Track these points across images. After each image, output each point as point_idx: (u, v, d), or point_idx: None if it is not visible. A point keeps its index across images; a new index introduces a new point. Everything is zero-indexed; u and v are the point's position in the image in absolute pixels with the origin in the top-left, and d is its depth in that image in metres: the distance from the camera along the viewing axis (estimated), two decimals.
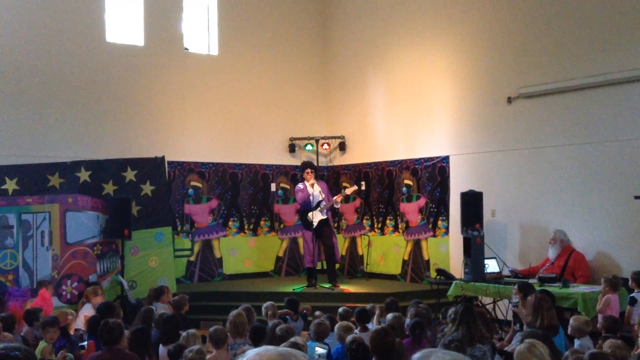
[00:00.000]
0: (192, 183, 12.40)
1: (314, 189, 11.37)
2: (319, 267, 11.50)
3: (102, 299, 8.64)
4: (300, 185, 11.57)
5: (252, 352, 2.32)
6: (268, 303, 7.90)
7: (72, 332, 7.58)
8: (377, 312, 7.62)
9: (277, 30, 13.49)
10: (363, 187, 12.98)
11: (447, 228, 11.41)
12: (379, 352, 5.21)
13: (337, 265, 12.10)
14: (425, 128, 11.85)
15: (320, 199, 11.27)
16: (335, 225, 13.61)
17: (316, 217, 11.18)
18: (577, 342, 5.98)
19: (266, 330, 6.49)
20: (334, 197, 11.31)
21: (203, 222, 12.50)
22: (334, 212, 13.59)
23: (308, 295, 10.66)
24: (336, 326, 6.53)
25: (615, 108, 9.25)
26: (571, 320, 6.25)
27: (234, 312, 6.72)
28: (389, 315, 6.99)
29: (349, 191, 11.36)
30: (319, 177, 12.07)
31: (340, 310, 7.63)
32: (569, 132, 9.76)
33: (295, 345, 5.31)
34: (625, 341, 5.72)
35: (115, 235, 10.10)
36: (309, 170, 11.46)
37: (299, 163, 13.45)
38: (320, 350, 5.83)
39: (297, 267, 13.26)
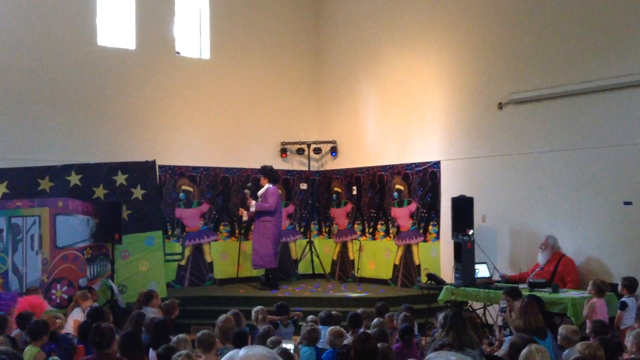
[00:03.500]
0: (183, 187, 12.37)
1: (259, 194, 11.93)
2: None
3: (92, 303, 8.60)
4: None
5: (243, 351, 2.45)
6: (258, 307, 7.88)
7: None
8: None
9: (269, 34, 13.50)
10: (354, 192, 13.02)
11: (437, 233, 11.44)
12: (361, 356, 5.22)
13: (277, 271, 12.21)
14: (417, 133, 11.89)
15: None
16: (327, 229, 13.66)
17: (243, 214, 12.07)
18: (566, 352, 6.01)
19: (248, 335, 6.48)
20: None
21: (194, 227, 12.47)
22: (325, 217, 13.65)
23: (299, 300, 10.67)
24: (327, 331, 6.53)
25: (606, 114, 9.31)
26: (560, 329, 6.28)
27: (222, 317, 6.71)
28: (375, 321, 7.00)
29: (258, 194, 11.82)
30: (277, 181, 12.30)
31: (321, 314, 7.59)
32: (559, 138, 9.82)
33: (285, 354, 5.32)
34: (616, 346, 5.74)
35: (106, 239, 10.07)
36: (260, 176, 12.04)
37: (290, 167, 13.52)
38: (287, 345, 5.82)
39: (288, 272, 13.23)
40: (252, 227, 12.00)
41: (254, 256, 11.68)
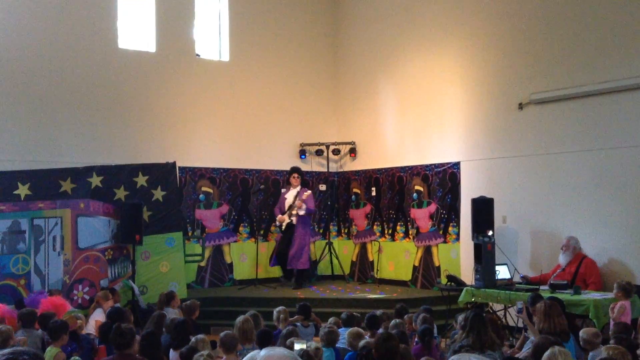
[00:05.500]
0: (203, 188, 12.43)
1: (289, 195, 12.08)
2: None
3: (113, 303, 8.67)
4: (283, 190, 12.31)
5: (264, 352, 2.55)
6: (280, 308, 7.90)
7: None
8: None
9: (288, 36, 13.53)
10: (373, 193, 13.01)
11: (457, 234, 11.38)
12: (383, 357, 5.21)
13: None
14: (436, 134, 11.84)
15: (292, 204, 11.97)
16: (346, 231, 13.65)
17: (284, 221, 12.06)
18: (590, 354, 5.95)
19: (273, 334, 6.49)
20: (295, 204, 11.88)
21: (214, 228, 12.53)
22: (344, 219, 13.64)
23: (318, 301, 10.66)
24: (346, 332, 6.53)
25: (628, 114, 9.20)
26: (581, 333, 6.21)
27: (240, 318, 6.74)
28: (393, 322, 6.98)
29: (304, 196, 11.88)
30: (304, 183, 12.60)
31: (342, 315, 7.63)
32: (580, 138, 9.72)
33: (306, 354, 5.32)
34: (634, 347, 5.68)
35: (127, 240, 10.15)
36: (295, 175, 12.17)
37: (310, 169, 13.51)
38: (300, 346, 5.83)
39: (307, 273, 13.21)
40: (290, 230, 12.03)
41: (303, 258, 11.94)
